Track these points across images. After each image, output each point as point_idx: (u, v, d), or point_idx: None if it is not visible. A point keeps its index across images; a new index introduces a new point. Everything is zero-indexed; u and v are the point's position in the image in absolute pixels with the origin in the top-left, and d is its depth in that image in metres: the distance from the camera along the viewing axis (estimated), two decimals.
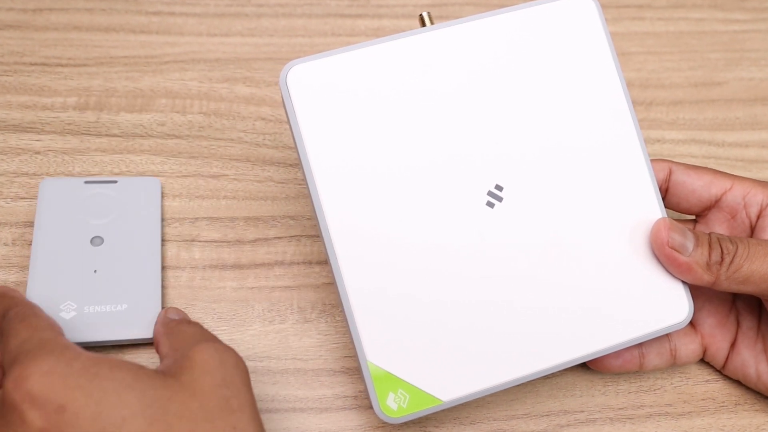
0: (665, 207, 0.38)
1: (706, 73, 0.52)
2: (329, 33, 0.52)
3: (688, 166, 0.39)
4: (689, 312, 0.35)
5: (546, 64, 0.36)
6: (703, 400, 0.40)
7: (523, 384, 0.40)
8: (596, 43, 0.37)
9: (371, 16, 0.53)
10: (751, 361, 0.38)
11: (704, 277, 0.34)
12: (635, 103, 0.50)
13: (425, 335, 0.34)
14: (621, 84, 0.37)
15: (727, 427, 0.39)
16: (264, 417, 0.38)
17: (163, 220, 0.43)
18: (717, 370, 0.41)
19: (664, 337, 0.39)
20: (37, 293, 0.39)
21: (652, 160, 0.38)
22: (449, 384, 0.33)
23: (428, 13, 0.37)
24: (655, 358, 0.39)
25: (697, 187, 0.38)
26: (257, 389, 0.39)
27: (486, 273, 0.34)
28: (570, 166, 0.36)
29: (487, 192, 0.35)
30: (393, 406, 0.33)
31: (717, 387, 0.40)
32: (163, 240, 0.43)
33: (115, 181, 0.43)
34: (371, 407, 0.39)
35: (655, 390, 0.40)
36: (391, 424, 0.33)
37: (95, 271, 0.40)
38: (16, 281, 0.41)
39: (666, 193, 0.39)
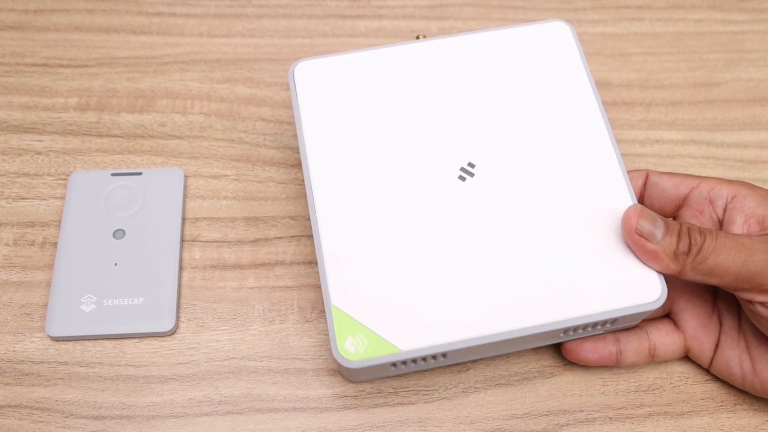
0: None
1: (705, 74, 0.52)
2: (329, 34, 0.52)
3: (663, 172, 0.41)
4: (662, 293, 0.36)
5: (522, 73, 0.41)
6: (702, 399, 0.40)
7: (523, 384, 0.40)
8: (570, 57, 0.41)
9: (371, 17, 0.53)
10: (735, 360, 0.39)
11: (670, 266, 0.35)
12: (635, 104, 0.51)
13: (392, 288, 0.35)
14: (591, 86, 0.40)
15: (726, 427, 0.39)
16: (264, 417, 0.38)
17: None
18: None
19: (644, 335, 0.39)
20: (61, 286, 0.40)
21: (630, 171, 0.40)
22: (409, 335, 0.35)
23: (423, 35, 0.43)
24: (632, 355, 0.39)
25: (667, 187, 0.40)
26: (257, 389, 0.39)
27: (456, 236, 0.37)
28: (542, 158, 0.39)
29: (459, 170, 0.38)
30: (351, 349, 0.34)
31: (716, 386, 0.40)
32: None
33: (140, 173, 0.44)
34: (372, 405, 0.39)
35: (654, 390, 0.40)
36: (350, 368, 0.34)
37: (115, 264, 0.41)
38: (18, 281, 0.41)
39: (643, 198, 0.41)
